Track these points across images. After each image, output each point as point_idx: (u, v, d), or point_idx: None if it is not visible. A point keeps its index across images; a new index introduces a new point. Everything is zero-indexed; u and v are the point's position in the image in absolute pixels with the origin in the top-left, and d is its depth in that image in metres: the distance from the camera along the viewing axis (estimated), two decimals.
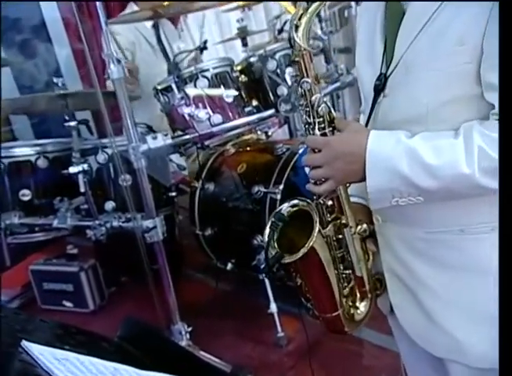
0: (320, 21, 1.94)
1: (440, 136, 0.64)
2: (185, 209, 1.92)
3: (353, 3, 2.46)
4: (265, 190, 1.62)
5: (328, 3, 2.07)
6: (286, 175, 1.61)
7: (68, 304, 2.01)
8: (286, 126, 2.26)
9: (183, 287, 1.78)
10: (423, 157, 0.63)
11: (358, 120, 0.87)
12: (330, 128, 0.70)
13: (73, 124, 1.60)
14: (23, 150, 1.75)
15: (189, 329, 1.56)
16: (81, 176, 1.57)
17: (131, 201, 1.48)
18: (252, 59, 1.69)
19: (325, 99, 0.71)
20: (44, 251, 2.14)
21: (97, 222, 1.62)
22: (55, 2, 2.59)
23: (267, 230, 0.74)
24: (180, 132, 1.60)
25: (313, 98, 0.70)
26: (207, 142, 1.66)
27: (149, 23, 2.08)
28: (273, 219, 0.75)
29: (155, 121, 1.90)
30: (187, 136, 1.56)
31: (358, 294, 0.79)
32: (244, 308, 1.78)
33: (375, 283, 0.80)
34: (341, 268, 0.76)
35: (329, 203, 0.74)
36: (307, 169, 0.74)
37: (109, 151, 1.65)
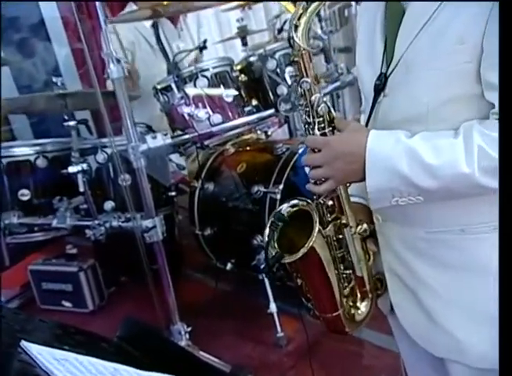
0: (320, 20, 1.94)
1: (440, 136, 0.64)
2: (184, 209, 1.92)
3: (353, 2, 2.45)
4: (265, 190, 1.62)
5: (328, 2, 2.07)
6: (285, 175, 1.61)
7: (67, 304, 2.01)
8: (285, 126, 2.26)
9: (183, 287, 1.78)
10: (423, 157, 0.63)
11: (359, 120, 0.87)
12: (330, 128, 0.70)
13: (72, 123, 1.60)
14: (22, 150, 1.74)
15: (189, 329, 1.56)
16: (80, 176, 1.57)
17: (130, 201, 1.48)
18: (252, 59, 1.69)
19: (325, 99, 0.70)
20: (43, 250, 2.13)
21: (96, 221, 1.62)
22: (54, 1, 2.58)
23: (267, 230, 0.74)
24: (180, 132, 1.60)
25: (313, 98, 0.70)
26: (206, 142, 1.66)
27: (148, 23, 2.08)
28: (273, 219, 0.75)
29: (154, 120, 1.90)
30: (187, 136, 1.56)
31: (358, 294, 0.79)
32: (244, 308, 1.78)
33: (375, 283, 0.80)
34: (342, 268, 0.76)
35: (330, 203, 0.73)
36: (307, 169, 0.74)
37: (109, 151, 1.65)
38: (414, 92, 0.67)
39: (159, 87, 1.66)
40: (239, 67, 1.70)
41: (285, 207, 0.76)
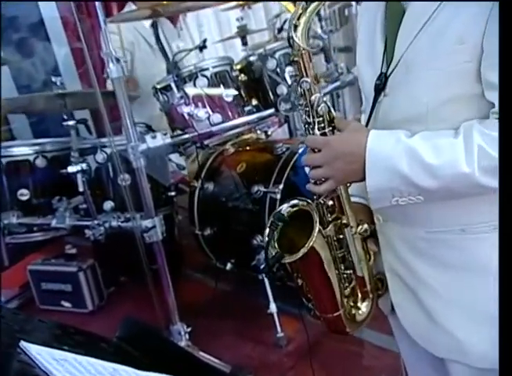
0: (320, 20, 1.94)
1: (440, 136, 0.64)
2: (184, 209, 1.92)
3: (353, 2, 2.45)
4: (265, 190, 1.62)
5: (328, 2, 2.06)
6: (285, 175, 1.61)
7: (66, 304, 2.01)
8: (285, 125, 2.26)
9: (182, 287, 1.78)
10: (423, 157, 0.63)
11: (359, 119, 0.86)
12: (330, 128, 0.70)
13: (71, 123, 1.60)
14: (22, 150, 1.74)
15: (189, 329, 1.56)
16: (79, 176, 1.57)
17: (130, 201, 1.47)
18: (252, 58, 1.69)
19: (325, 99, 0.70)
20: (42, 251, 2.13)
21: (96, 221, 1.62)
22: (53, 1, 2.58)
23: (267, 230, 0.74)
24: (179, 132, 1.60)
25: (313, 97, 0.69)
26: (206, 142, 1.66)
27: (147, 23, 2.08)
28: (273, 219, 0.74)
29: (154, 120, 1.89)
30: (186, 136, 1.56)
31: (359, 295, 0.78)
32: (244, 308, 1.78)
33: (376, 284, 0.80)
34: (342, 268, 0.76)
35: (330, 203, 0.73)
36: (307, 169, 0.74)
37: (108, 150, 1.65)
38: (414, 92, 0.67)
39: (158, 86, 1.66)
40: (239, 67, 1.70)
41: (285, 207, 0.75)
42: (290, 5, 2.16)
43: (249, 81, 1.68)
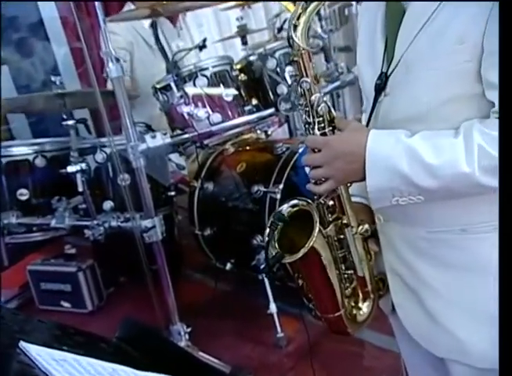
0: (320, 19, 1.94)
1: (440, 135, 0.64)
2: (184, 209, 1.91)
3: (353, 1, 2.45)
4: (265, 190, 1.62)
5: (328, 1, 2.06)
6: (286, 175, 1.61)
7: (66, 304, 2.00)
8: (285, 125, 2.26)
9: (182, 287, 1.77)
10: (423, 156, 0.62)
11: (360, 119, 0.86)
12: (330, 128, 0.70)
13: (71, 123, 1.59)
14: (21, 149, 1.74)
15: (188, 329, 1.56)
16: (79, 175, 1.57)
17: (129, 201, 1.47)
18: (252, 58, 1.69)
19: (325, 99, 0.70)
20: (42, 251, 2.13)
21: (95, 221, 1.61)
22: (53, 1, 2.58)
23: (267, 230, 0.74)
24: (179, 131, 1.59)
25: (313, 97, 0.69)
26: (206, 142, 1.66)
27: (147, 23, 2.08)
28: (273, 219, 0.74)
29: (154, 119, 1.89)
30: (186, 135, 1.56)
31: (360, 295, 0.78)
32: (244, 308, 1.77)
33: (377, 284, 0.80)
34: (343, 268, 0.76)
35: (331, 203, 0.73)
36: (307, 169, 0.74)
37: (108, 150, 1.65)
38: (414, 92, 0.67)
39: (158, 86, 1.65)
40: (238, 66, 1.70)
41: (285, 207, 0.75)
42: (289, 5, 2.16)
43: (249, 80, 1.68)
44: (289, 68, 1.60)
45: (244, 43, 2.23)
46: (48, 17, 2.60)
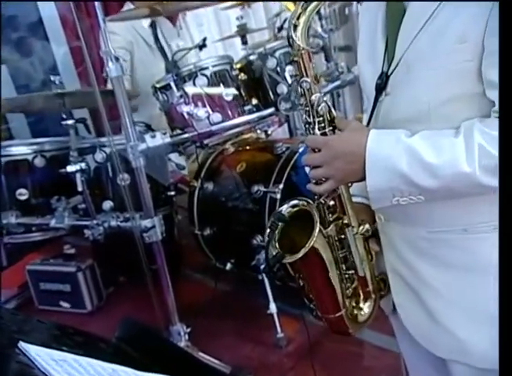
0: (320, 19, 1.94)
1: (440, 135, 0.64)
2: (184, 209, 1.91)
3: (354, 1, 2.45)
4: (265, 190, 1.62)
5: (328, 1, 2.06)
6: (286, 175, 1.61)
7: (65, 304, 2.00)
8: (286, 125, 2.26)
9: (182, 287, 1.77)
10: (423, 156, 0.62)
11: (360, 119, 0.86)
12: (330, 128, 0.70)
13: (70, 122, 1.59)
14: (20, 149, 1.74)
15: (188, 330, 1.55)
16: (78, 175, 1.56)
17: (129, 201, 1.47)
18: (252, 58, 1.69)
19: (325, 98, 0.70)
20: (41, 250, 2.12)
21: (95, 221, 1.61)
22: (52, 1, 2.57)
23: (267, 230, 0.74)
24: (179, 131, 1.59)
25: (313, 97, 0.69)
26: (206, 141, 1.65)
27: (146, 23, 2.07)
28: (273, 219, 0.74)
29: (154, 119, 1.89)
30: (186, 135, 1.56)
31: (361, 295, 0.78)
32: (244, 308, 1.77)
33: (378, 284, 0.80)
34: (344, 268, 0.76)
35: (331, 203, 0.73)
36: (307, 169, 0.73)
37: (108, 150, 1.65)
38: (415, 91, 0.67)
39: (158, 86, 1.65)
40: (238, 66, 1.70)
41: (285, 207, 0.75)
42: (290, 4, 2.16)
43: (249, 80, 1.67)
44: (289, 68, 1.59)
45: (244, 42, 2.22)
46: (47, 17, 2.60)
